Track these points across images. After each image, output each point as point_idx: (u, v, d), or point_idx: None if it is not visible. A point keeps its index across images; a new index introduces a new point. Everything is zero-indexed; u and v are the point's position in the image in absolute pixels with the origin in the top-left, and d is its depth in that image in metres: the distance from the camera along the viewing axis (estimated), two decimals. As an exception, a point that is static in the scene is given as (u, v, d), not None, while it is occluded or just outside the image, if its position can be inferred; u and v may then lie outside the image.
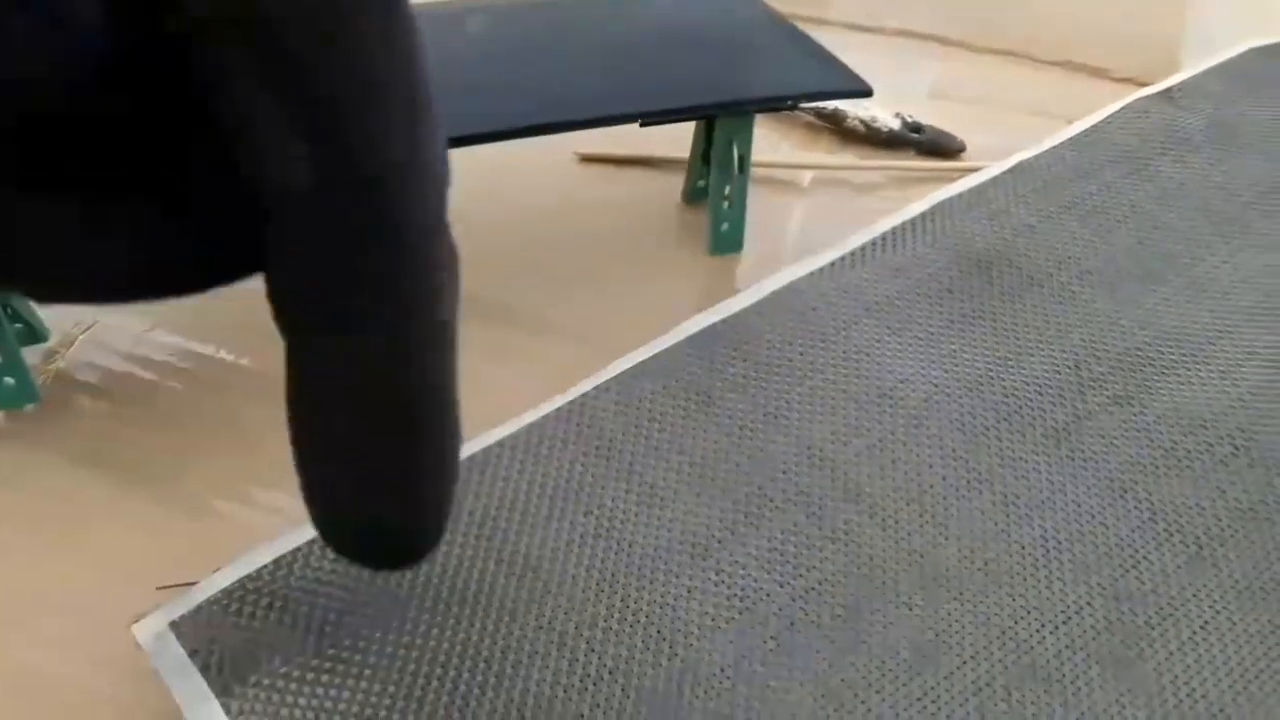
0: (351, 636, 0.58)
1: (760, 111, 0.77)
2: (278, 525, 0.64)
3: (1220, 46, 1.03)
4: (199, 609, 0.59)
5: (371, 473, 0.47)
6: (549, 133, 0.71)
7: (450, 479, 0.50)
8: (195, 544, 0.65)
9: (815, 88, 0.76)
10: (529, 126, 0.71)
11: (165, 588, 0.59)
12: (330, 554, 0.62)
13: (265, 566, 0.61)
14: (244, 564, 0.61)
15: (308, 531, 0.63)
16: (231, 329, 0.78)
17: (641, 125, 0.75)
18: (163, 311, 0.79)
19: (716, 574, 0.62)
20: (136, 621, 0.58)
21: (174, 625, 0.58)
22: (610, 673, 0.57)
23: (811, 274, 0.79)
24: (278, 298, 0.44)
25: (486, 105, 0.73)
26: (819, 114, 0.94)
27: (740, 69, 0.76)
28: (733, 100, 0.75)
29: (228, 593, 0.60)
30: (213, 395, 0.74)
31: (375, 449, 0.46)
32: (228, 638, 0.58)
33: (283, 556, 0.61)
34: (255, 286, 0.81)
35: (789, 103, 0.76)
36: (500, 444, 0.67)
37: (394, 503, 0.48)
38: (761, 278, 0.79)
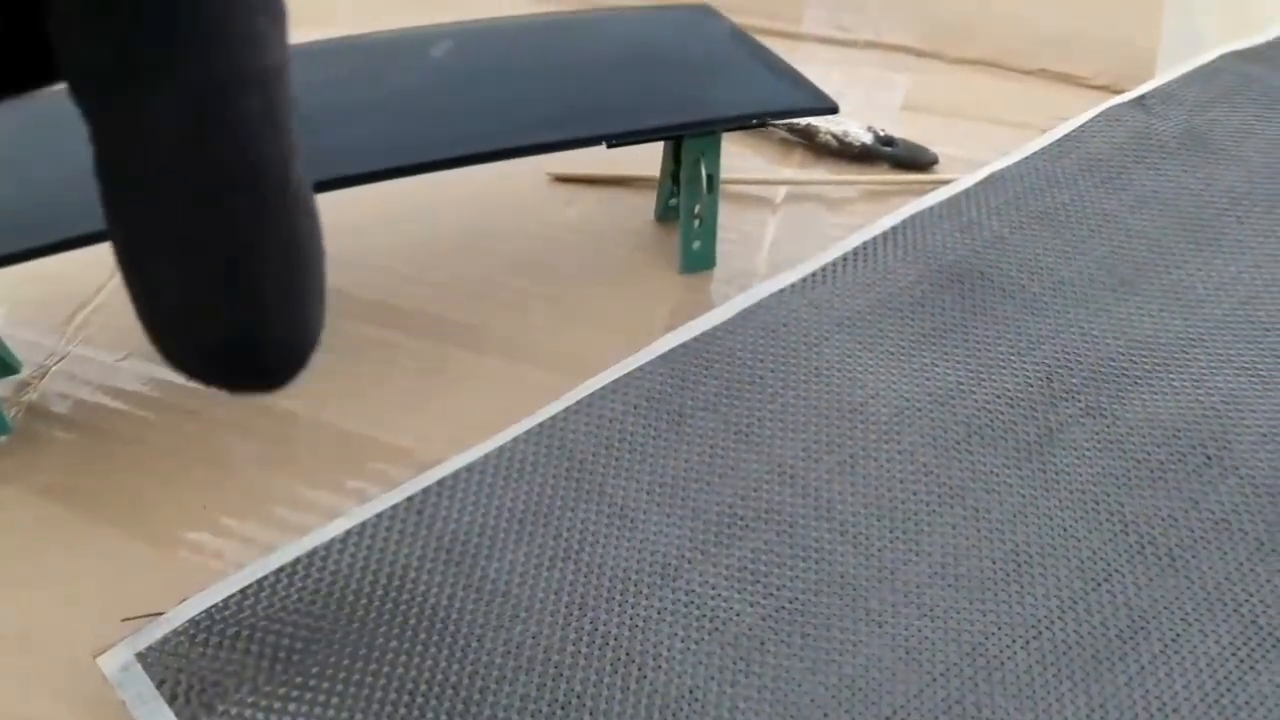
0: (319, 665, 0.58)
1: (727, 130, 0.77)
2: (246, 554, 0.64)
3: (1196, 52, 1.03)
4: (166, 639, 0.58)
5: (203, 267, 0.39)
6: (514, 156, 0.71)
7: (304, 273, 0.42)
8: (163, 574, 0.65)
9: (781, 105, 0.76)
10: (495, 151, 0.71)
11: (131, 619, 0.59)
12: (299, 582, 0.62)
13: (233, 596, 0.61)
14: (211, 594, 0.61)
15: (276, 560, 0.63)
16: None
17: (609, 147, 0.75)
18: (136, 341, 0.79)
19: (686, 595, 0.62)
20: (103, 653, 0.57)
21: (140, 656, 0.58)
22: (579, 697, 0.57)
23: (783, 290, 0.79)
24: (68, 59, 0.37)
25: (453, 130, 0.73)
26: (791, 129, 0.94)
27: (706, 88, 0.77)
28: (698, 120, 0.75)
29: (195, 623, 0.59)
30: (184, 425, 0.74)
31: (201, 234, 0.39)
32: (195, 668, 0.57)
33: (249, 586, 0.61)
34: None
35: (755, 121, 0.76)
36: (469, 468, 0.67)
37: (233, 301, 0.40)
38: (734, 295, 0.79)
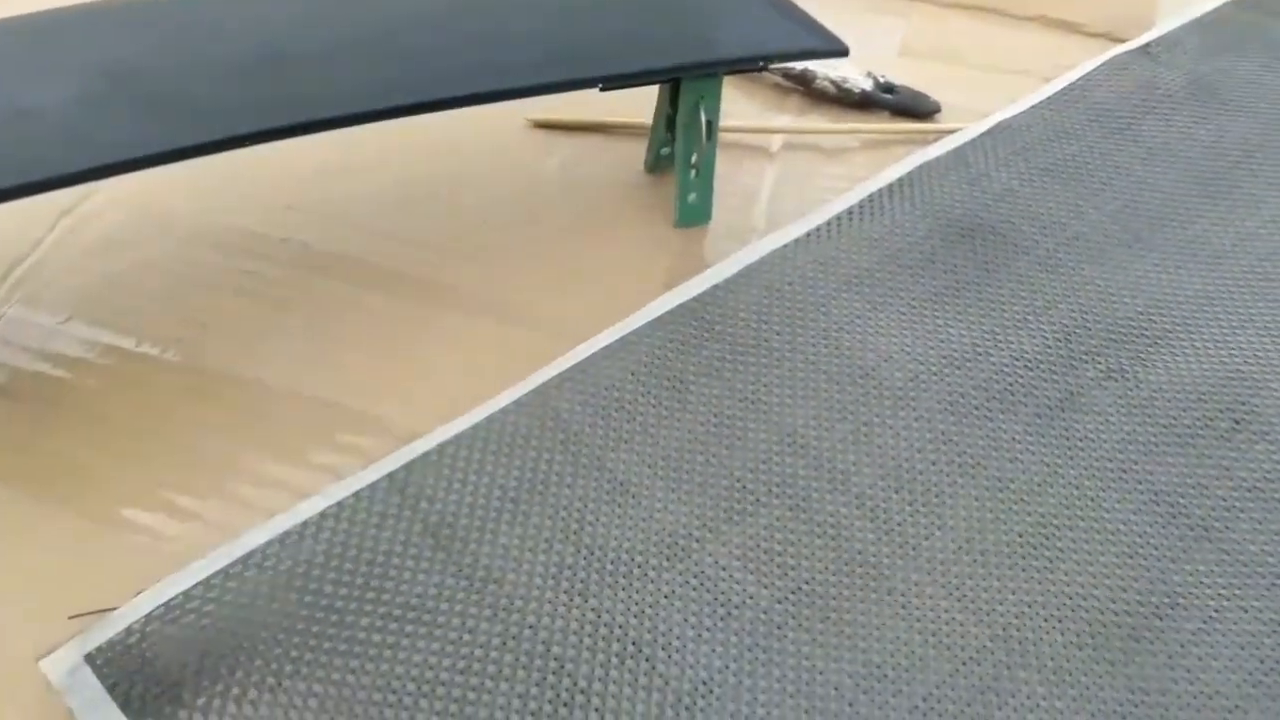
0: (292, 662, 0.52)
1: (730, 73, 0.72)
2: (208, 539, 0.58)
3: (1194, 1, 0.99)
4: (118, 638, 0.53)
5: None
6: (501, 100, 0.65)
7: None
8: (114, 563, 0.58)
9: (789, 47, 0.70)
10: (477, 94, 0.64)
11: (79, 615, 0.53)
12: (269, 569, 0.56)
13: (193, 588, 0.55)
14: (169, 585, 0.55)
15: (242, 546, 0.57)
16: (155, 318, 0.71)
17: (602, 90, 0.69)
18: (80, 301, 0.72)
19: (696, 576, 0.57)
20: (47, 655, 0.51)
21: (90, 658, 0.52)
22: (583, 693, 0.52)
23: (786, 246, 0.74)
24: None
25: (430, 71, 0.66)
26: (787, 74, 0.89)
27: (707, 28, 0.71)
28: (700, 61, 0.69)
29: (151, 618, 0.54)
30: (135, 394, 0.67)
31: None
32: (151, 669, 0.52)
33: (212, 576, 0.55)
34: (180, 271, 0.75)
35: (760, 64, 0.70)
36: (456, 440, 0.61)
37: None
38: (732, 251, 0.74)
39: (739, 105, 0.89)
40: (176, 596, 0.55)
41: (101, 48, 0.66)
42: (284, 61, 0.66)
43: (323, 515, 0.58)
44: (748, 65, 0.70)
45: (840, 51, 0.70)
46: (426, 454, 0.61)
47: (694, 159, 0.74)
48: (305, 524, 0.58)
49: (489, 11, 0.71)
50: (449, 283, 0.73)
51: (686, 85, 0.70)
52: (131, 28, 0.69)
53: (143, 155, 0.59)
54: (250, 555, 0.57)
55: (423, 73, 0.66)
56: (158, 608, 0.54)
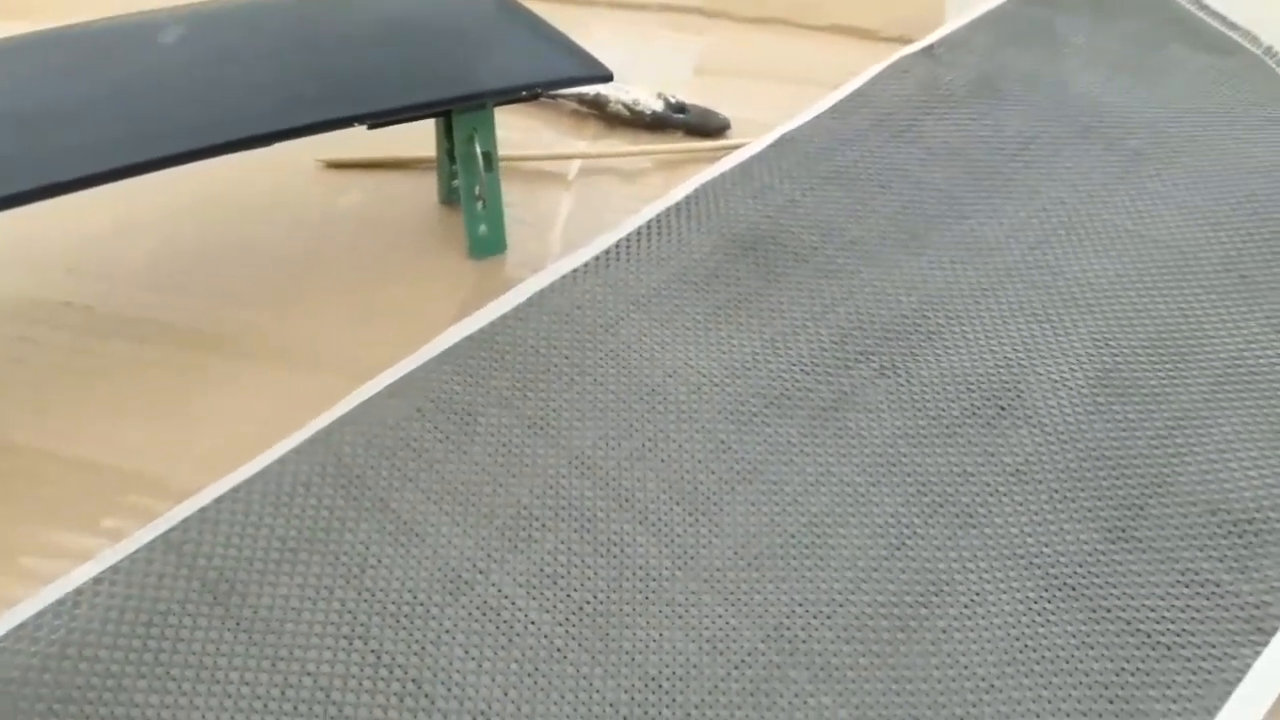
0: (65, 735, 0.52)
1: (498, 104, 0.73)
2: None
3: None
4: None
5: None
6: (259, 145, 0.65)
7: None
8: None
9: (553, 75, 0.72)
10: (236, 140, 0.64)
11: None
12: (43, 640, 0.55)
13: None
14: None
15: (13, 617, 0.56)
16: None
17: (370, 128, 0.69)
18: None
19: (479, 608, 0.58)
20: None
21: None
22: (358, 735, 0.52)
23: (575, 271, 0.75)
24: None
25: (191, 120, 0.66)
26: (581, 100, 0.91)
27: (472, 59, 0.72)
28: (464, 94, 0.70)
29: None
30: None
31: None
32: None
33: (-18, 653, 0.54)
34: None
35: (524, 93, 0.71)
36: (232, 493, 0.61)
37: None
38: (528, 279, 0.75)
39: (536, 133, 0.90)
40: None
41: None
42: (43, 118, 0.66)
43: (96, 580, 0.58)
44: (512, 95, 0.72)
45: (604, 77, 0.72)
46: (202, 510, 0.60)
47: (478, 191, 0.75)
48: (79, 590, 0.57)
49: (249, 56, 0.71)
50: (236, 332, 0.73)
51: (457, 118, 0.72)
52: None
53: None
54: (21, 628, 0.56)
55: (183, 122, 0.66)
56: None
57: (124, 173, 0.61)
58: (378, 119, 0.68)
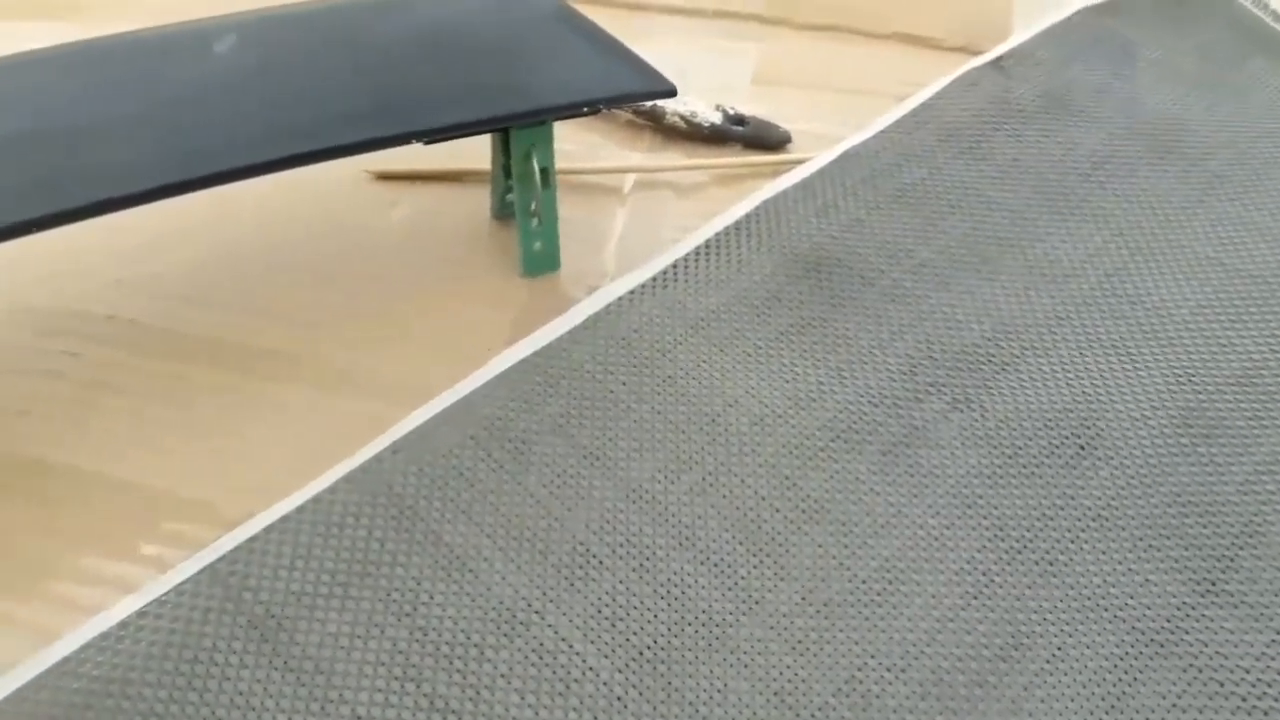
0: (107, 779, 0.50)
1: (556, 119, 0.70)
2: (26, 647, 0.55)
3: (1051, 7, 0.99)
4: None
5: None
6: (314, 161, 0.63)
7: None
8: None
9: (615, 90, 0.69)
10: (290, 156, 0.62)
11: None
12: (88, 674, 0.53)
13: (4, 701, 0.52)
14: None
15: (55, 652, 0.54)
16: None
17: (426, 144, 0.67)
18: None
19: (535, 651, 0.55)
20: None
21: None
22: (411, 788, 0.50)
23: (632, 292, 0.72)
24: None
25: (247, 134, 0.64)
26: (638, 111, 0.88)
27: (532, 74, 0.69)
28: (524, 111, 0.67)
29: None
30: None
31: None
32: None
33: (23, 689, 0.52)
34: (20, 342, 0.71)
35: (585, 109, 0.69)
36: (280, 524, 0.59)
37: None
38: (582, 298, 0.72)
39: (591, 144, 0.88)
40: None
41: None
42: (87, 136, 0.64)
43: (141, 614, 0.55)
44: (573, 111, 0.69)
45: (667, 92, 0.69)
46: (250, 540, 0.58)
47: (533, 206, 0.73)
48: (123, 624, 0.55)
49: (305, 69, 0.69)
50: (284, 352, 0.71)
51: (516, 134, 0.69)
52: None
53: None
54: (65, 662, 0.54)
55: (240, 137, 0.64)
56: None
57: (176, 189, 0.60)
58: (435, 136, 0.65)
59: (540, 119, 0.68)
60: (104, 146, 0.64)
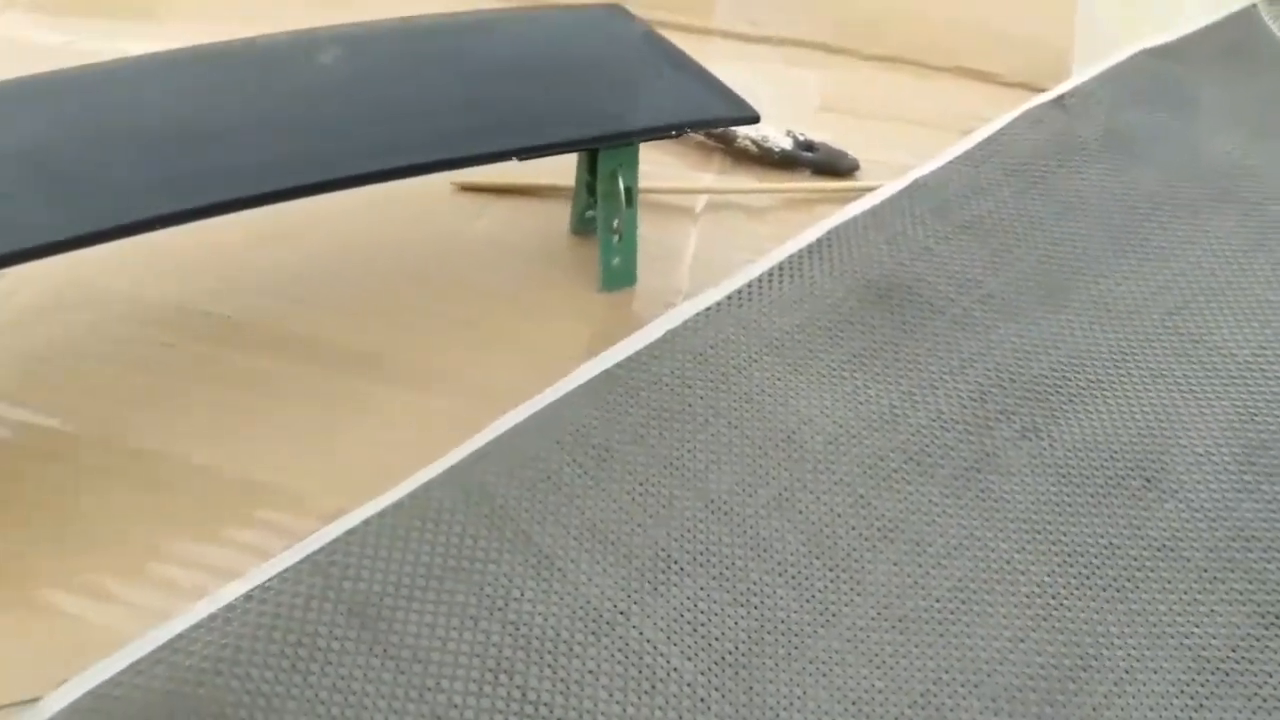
0: (218, 753, 0.52)
1: (644, 141, 0.73)
2: (132, 625, 0.57)
3: (1110, 48, 1.02)
4: (40, 733, 0.52)
5: None
6: (414, 175, 0.65)
7: None
8: (36, 651, 0.58)
9: (701, 115, 0.72)
10: (391, 169, 0.65)
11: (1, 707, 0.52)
12: (198, 653, 0.56)
13: (120, 675, 0.54)
14: (94, 673, 0.54)
15: (167, 630, 0.56)
16: (73, 395, 0.71)
17: (519, 160, 0.69)
18: (-5, 377, 0.71)
19: (621, 651, 0.58)
20: (-38, 758, 0.51)
21: (9, 757, 0.51)
22: (508, 776, 0.52)
23: (708, 309, 0.75)
24: None
25: (346, 145, 0.67)
26: (709, 134, 0.91)
27: (621, 96, 0.72)
28: (614, 132, 0.70)
29: (77, 708, 0.53)
30: (54, 474, 0.66)
31: None
32: (75, 766, 0.51)
33: (139, 663, 0.55)
34: (99, 347, 0.74)
35: (673, 132, 0.71)
36: (381, 515, 0.61)
37: None
38: (657, 314, 0.75)
39: (664, 164, 0.90)
40: (102, 685, 0.54)
41: (10, 126, 0.66)
42: (199, 139, 0.67)
43: (247, 598, 0.58)
44: (661, 134, 0.71)
45: (751, 118, 0.72)
46: (350, 532, 0.60)
47: (615, 224, 0.75)
48: (230, 607, 0.57)
49: (402, 84, 0.71)
50: (372, 352, 0.73)
51: (603, 154, 0.72)
52: (42, 105, 0.69)
53: (54, 241, 0.58)
54: (177, 640, 0.56)
55: (338, 149, 0.67)
56: (83, 696, 0.53)
57: (289, 194, 0.62)
58: (529, 153, 0.68)
59: (628, 140, 0.71)
60: (210, 152, 0.66)
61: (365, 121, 0.68)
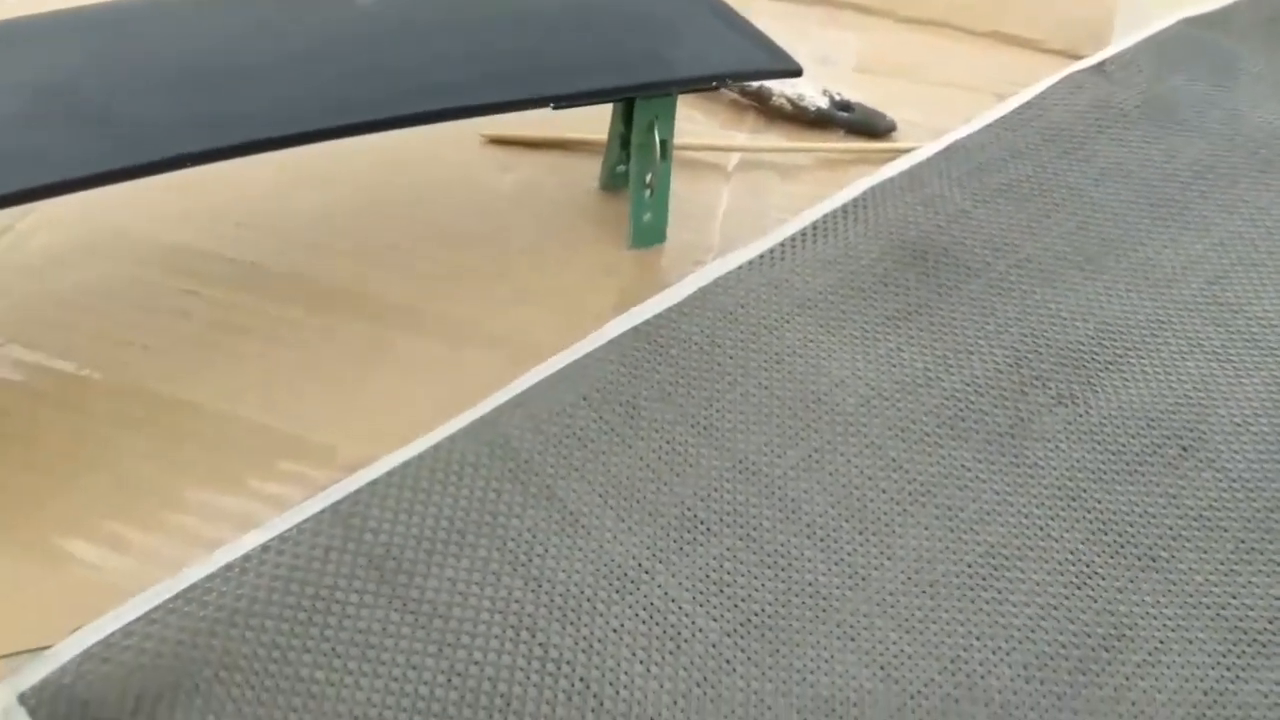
0: (234, 701, 0.51)
1: (684, 92, 0.71)
2: (147, 573, 0.57)
3: (1152, 16, 0.99)
4: (53, 677, 0.51)
5: None
6: (453, 118, 0.64)
7: None
8: (50, 598, 0.57)
9: (743, 67, 0.70)
10: (428, 112, 0.63)
11: (11, 655, 0.51)
12: (212, 604, 0.55)
13: (133, 624, 0.53)
14: (109, 621, 0.53)
15: (182, 580, 0.56)
16: (95, 340, 0.70)
17: (555, 108, 0.68)
18: (17, 324, 0.70)
19: (645, 609, 0.56)
20: (-25, 699, 0.50)
21: (23, 698, 0.50)
22: (530, 731, 0.51)
23: (740, 268, 0.73)
24: None
25: (380, 89, 0.65)
26: (743, 91, 0.89)
27: (661, 45, 0.70)
28: (654, 81, 0.68)
29: (89, 656, 0.52)
30: (73, 419, 0.65)
31: None
32: (87, 710, 0.50)
33: (152, 612, 0.54)
34: (122, 291, 0.73)
35: (714, 83, 0.69)
36: (402, 468, 0.60)
37: None
38: (686, 271, 0.73)
39: (695, 122, 0.88)
40: (115, 634, 0.53)
41: (40, 62, 0.65)
42: (231, 78, 0.65)
43: (264, 548, 0.57)
44: (702, 85, 0.70)
45: (794, 71, 0.70)
46: (372, 484, 0.59)
47: (648, 179, 0.74)
48: (247, 557, 0.57)
49: (440, 28, 0.70)
50: (398, 303, 0.72)
51: (640, 105, 0.70)
52: (72, 41, 0.67)
53: (82, 176, 0.57)
54: (191, 590, 0.55)
55: (372, 91, 0.65)
56: (95, 645, 0.53)
57: (319, 135, 0.61)
58: (567, 100, 0.66)
59: (667, 90, 0.69)
60: (240, 93, 0.65)
61: (399, 65, 0.67)
